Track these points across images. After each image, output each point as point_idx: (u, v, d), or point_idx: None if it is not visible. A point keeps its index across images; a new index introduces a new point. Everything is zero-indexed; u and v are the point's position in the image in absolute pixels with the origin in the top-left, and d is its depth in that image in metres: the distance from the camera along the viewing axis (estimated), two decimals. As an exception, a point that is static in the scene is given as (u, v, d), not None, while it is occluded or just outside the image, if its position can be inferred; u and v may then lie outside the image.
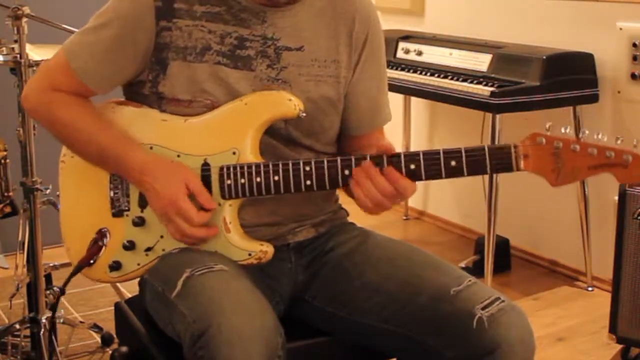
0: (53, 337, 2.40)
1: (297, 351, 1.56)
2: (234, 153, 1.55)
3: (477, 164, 1.46)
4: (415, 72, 3.30)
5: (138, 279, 1.68)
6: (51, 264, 2.51)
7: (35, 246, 2.38)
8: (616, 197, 2.45)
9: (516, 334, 1.43)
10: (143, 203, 1.60)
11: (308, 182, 1.52)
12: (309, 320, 1.66)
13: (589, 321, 2.93)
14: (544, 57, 2.96)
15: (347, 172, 1.50)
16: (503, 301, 1.47)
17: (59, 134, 1.64)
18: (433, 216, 4.04)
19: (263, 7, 1.59)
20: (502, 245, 3.35)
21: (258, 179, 1.53)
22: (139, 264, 1.61)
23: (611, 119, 3.10)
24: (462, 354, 1.44)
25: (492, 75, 3.07)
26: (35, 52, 2.34)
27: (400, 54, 3.52)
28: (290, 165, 1.52)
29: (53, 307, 2.38)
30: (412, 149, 3.88)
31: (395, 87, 3.26)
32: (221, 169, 1.55)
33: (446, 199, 3.95)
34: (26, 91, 1.68)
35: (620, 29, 3.01)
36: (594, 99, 3.08)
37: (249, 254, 1.56)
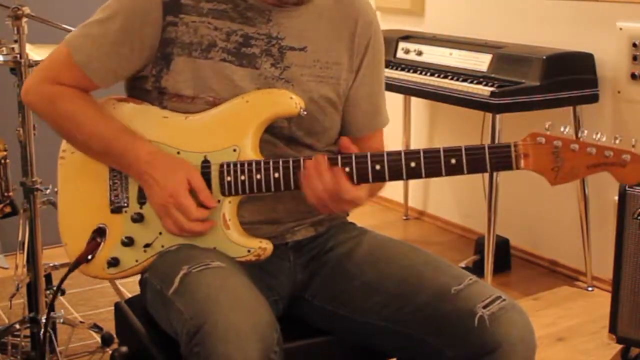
0: (53, 337, 2.40)
1: (296, 351, 1.56)
2: (234, 150, 1.56)
3: (477, 162, 1.47)
4: (415, 72, 3.30)
5: (139, 280, 1.68)
6: (51, 264, 2.51)
7: (35, 246, 2.38)
8: (616, 197, 2.45)
9: (517, 333, 1.43)
10: (142, 199, 1.60)
11: None
12: (309, 320, 1.66)
13: (589, 321, 2.93)
14: (544, 57, 2.96)
15: (347, 169, 1.50)
16: (504, 300, 1.47)
17: (60, 128, 1.63)
18: (433, 216, 4.04)
19: (269, 6, 1.59)
20: (502, 245, 3.35)
21: (258, 176, 1.53)
22: (137, 261, 1.62)
23: (611, 119, 3.10)
24: (463, 353, 1.44)
25: (492, 75, 3.07)
26: (35, 52, 2.34)
27: (400, 54, 3.52)
28: (291, 162, 1.52)
29: (50, 306, 2.37)
30: (412, 148, 3.87)
31: (395, 87, 3.26)
32: (221, 165, 1.55)
33: (446, 199, 3.95)
34: (27, 84, 1.67)
35: (620, 29, 3.01)
36: (594, 99, 3.08)
37: (248, 251, 1.56)
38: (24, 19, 2.27)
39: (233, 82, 1.58)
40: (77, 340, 2.68)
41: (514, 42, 3.25)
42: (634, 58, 2.98)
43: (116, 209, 1.62)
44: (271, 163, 1.53)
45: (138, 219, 1.60)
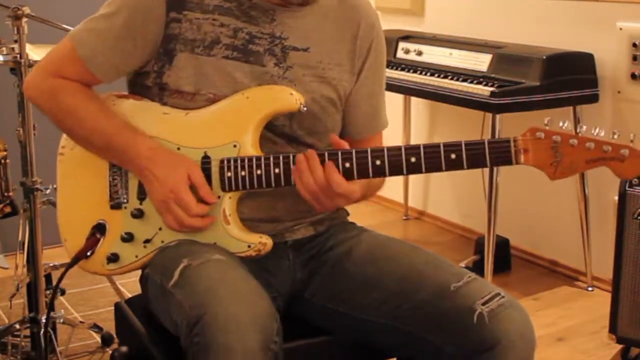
0: (53, 337, 2.40)
1: (296, 350, 1.56)
2: (234, 146, 1.56)
3: (476, 157, 1.47)
4: (415, 72, 3.30)
5: (139, 277, 1.68)
6: (51, 264, 2.51)
7: (35, 246, 2.38)
8: (616, 197, 2.45)
9: (517, 330, 1.43)
10: (142, 195, 1.60)
11: None
12: (309, 319, 1.66)
13: (589, 321, 2.93)
14: (544, 57, 2.96)
15: (347, 164, 1.50)
16: (503, 297, 1.47)
17: (61, 122, 1.63)
18: (433, 216, 4.04)
19: (273, 5, 1.60)
20: (502, 245, 3.35)
21: (258, 172, 1.53)
22: (137, 256, 1.62)
23: (611, 119, 3.10)
24: (463, 350, 1.44)
25: (492, 75, 3.07)
26: (35, 52, 2.34)
27: (400, 54, 3.52)
28: (291, 158, 1.52)
29: (50, 305, 2.37)
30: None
31: (395, 87, 3.26)
32: (221, 161, 1.55)
33: (446, 199, 3.95)
34: (29, 78, 1.67)
35: (620, 29, 3.01)
36: (594, 99, 3.08)
37: (248, 246, 1.56)
38: (24, 19, 2.27)
39: (235, 79, 1.58)
40: (77, 340, 2.68)
41: (514, 42, 3.25)
42: (634, 58, 2.98)
43: (116, 205, 1.62)
44: (271, 159, 1.53)
45: (138, 214, 1.60)
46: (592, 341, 2.78)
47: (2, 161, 2.39)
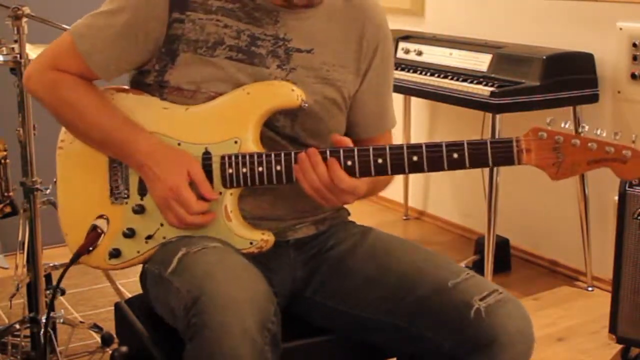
0: (53, 337, 2.40)
1: (296, 350, 1.56)
2: (235, 142, 1.55)
3: (479, 157, 1.47)
4: (415, 72, 3.30)
5: (139, 274, 1.68)
6: (51, 264, 2.51)
7: (35, 246, 2.37)
8: (616, 197, 2.45)
9: (514, 325, 1.43)
10: (143, 191, 1.59)
11: None
12: (309, 318, 1.66)
13: (589, 321, 2.93)
14: (544, 57, 2.96)
15: (349, 162, 1.50)
16: (501, 293, 1.47)
17: (61, 116, 1.63)
18: (433, 216, 4.04)
19: (277, 7, 1.59)
20: (502, 245, 3.35)
21: (260, 169, 1.53)
22: (139, 252, 1.61)
23: (611, 119, 3.10)
24: (461, 346, 1.44)
25: (492, 75, 3.07)
26: (35, 52, 2.34)
27: (400, 54, 3.52)
28: (292, 155, 1.52)
29: (49, 306, 2.37)
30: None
31: (395, 87, 3.22)
32: (223, 157, 1.55)
33: (446, 199, 3.95)
34: (29, 70, 1.67)
35: (620, 29, 3.01)
36: (594, 98, 3.08)
37: (251, 243, 1.56)
38: (24, 19, 2.26)
39: (237, 81, 1.57)
40: (77, 340, 2.68)
41: (514, 42, 3.25)
42: (634, 58, 2.98)
43: (117, 200, 1.62)
44: (273, 156, 1.52)
45: (139, 210, 1.60)
46: (592, 341, 2.78)
47: (2, 161, 2.39)
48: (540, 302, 3.11)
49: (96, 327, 2.61)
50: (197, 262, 1.44)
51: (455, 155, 1.47)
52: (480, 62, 3.16)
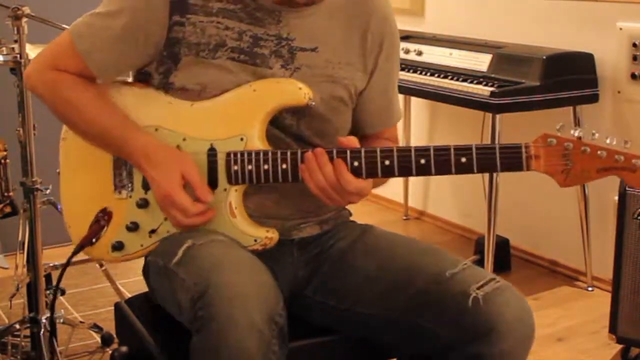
0: (53, 337, 2.40)
1: (297, 350, 1.56)
2: (241, 139, 1.55)
3: (487, 162, 1.46)
4: (415, 72, 3.30)
5: (142, 270, 1.68)
6: (51, 264, 2.51)
7: (35, 246, 2.37)
8: (616, 197, 2.45)
9: (512, 312, 1.42)
10: (147, 185, 1.59)
11: None
12: (309, 318, 1.66)
13: (589, 321, 2.93)
14: (544, 57, 2.96)
15: (356, 163, 1.49)
16: (498, 281, 1.47)
17: (61, 114, 1.63)
18: (433, 216, 4.04)
19: (279, 6, 1.58)
20: (502, 245, 3.35)
21: (266, 167, 1.52)
22: (142, 245, 1.61)
23: (611, 119, 3.10)
24: (460, 335, 1.44)
25: (492, 75, 3.07)
26: (35, 52, 2.33)
27: (400, 54, 3.51)
28: (299, 154, 1.51)
29: (51, 306, 2.37)
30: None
31: (395, 87, 3.26)
32: (228, 154, 1.54)
33: (446, 199, 3.95)
34: (30, 69, 1.67)
35: (620, 29, 3.01)
36: (594, 99, 3.08)
37: (255, 240, 1.56)
38: (24, 19, 2.26)
39: (241, 81, 1.57)
40: (77, 340, 2.67)
41: (514, 42, 3.25)
42: (634, 58, 2.98)
43: (121, 194, 1.61)
44: (279, 154, 1.52)
45: (143, 204, 1.59)
46: (592, 341, 2.78)
47: (2, 161, 2.39)
48: (540, 302, 3.11)
49: (96, 327, 2.61)
50: (203, 254, 1.44)
51: (464, 160, 1.46)
52: (480, 62, 3.16)
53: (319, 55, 1.61)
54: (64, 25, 2.35)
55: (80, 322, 2.67)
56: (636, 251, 2.41)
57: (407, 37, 3.54)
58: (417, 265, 1.54)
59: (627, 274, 2.43)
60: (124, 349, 1.67)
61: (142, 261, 1.68)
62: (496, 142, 2.90)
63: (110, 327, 2.41)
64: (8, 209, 2.41)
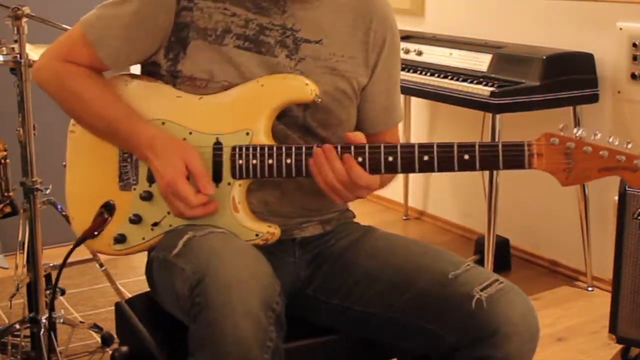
0: (53, 337, 2.40)
1: (298, 350, 1.56)
2: (247, 134, 1.56)
3: (489, 159, 1.47)
4: (415, 72, 3.30)
5: (145, 269, 1.68)
6: (51, 264, 2.51)
7: (35, 246, 2.37)
8: (616, 197, 2.45)
9: (517, 313, 1.42)
10: (151, 178, 1.59)
11: None
12: (310, 317, 1.66)
13: (589, 321, 2.93)
14: (544, 57, 2.96)
15: (360, 159, 1.50)
16: (502, 282, 1.47)
17: (67, 107, 1.63)
18: (433, 216, 4.04)
19: None
20: (502, 245, 3.35)
21: (270, 161, 1.53)
22: (144, 238, 1.61)
23: (611, 119, 3.10)
24: (464, 338, 1.44)
25: (492, 75, 3.07)
26: (35, 52, 2.34)
27: (400, 54, 3.51)
28: (303, 149, 1.52)
29: (50, 304, 2.37)
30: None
31: (395, 87, 3.26)
32: (233, 148, 1.55)
33: (446, 199, 3.95)
34: (39, 62, 1.67)
35: (620, 29, 3.01)
36: (594, 99, 3.08)
37: (256, 235, 1.56)
38: (24, 19, 2.26)
39: (247, 69, 1.58)
40: (77, 340, 2.68)
41: (514, 42, 3.25)
42: (634, 58, 2.98)
43: (125, 186, 1.61)
44: (284, 149, 1.53)
45: (147, 197, 1.59)
46: (592, 341, 2.79)
47: (2, 161, 2.39)
48: (540, 302, 3.11)
49: (96, 327, 2.61)
50: (202, 245, 1.44)
51: (466, 157, 1.47)
52: (480, 62, 3.16)
53: (323, 48, 1.62)
54: (64, 25, 2.36)
55: (80, 322, 2.67)
56: (636, 251, 2.41)
57: (407, 37, 3.54)
58: (420, 266, 1.54)
59: (627, 274, 2.43)
60: (124, 349, 1.67)
61: (143, 261, 1.69)
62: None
63: (110, 327, 2.41)
64: (8, 209, 2.41)
